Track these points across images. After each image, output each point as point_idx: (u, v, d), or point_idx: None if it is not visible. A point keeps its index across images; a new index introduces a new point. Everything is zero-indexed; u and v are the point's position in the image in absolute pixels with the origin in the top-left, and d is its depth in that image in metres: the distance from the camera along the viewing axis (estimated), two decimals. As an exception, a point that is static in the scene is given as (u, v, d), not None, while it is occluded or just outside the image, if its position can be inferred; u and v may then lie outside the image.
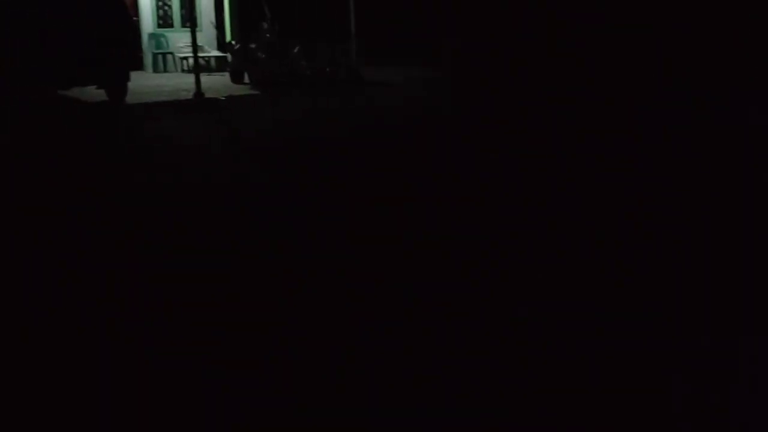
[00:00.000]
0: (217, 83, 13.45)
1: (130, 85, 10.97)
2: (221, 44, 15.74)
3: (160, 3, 16.08)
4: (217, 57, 15.98)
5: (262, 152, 7.04)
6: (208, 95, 11.19)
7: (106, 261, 3.71)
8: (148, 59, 15.58)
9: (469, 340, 2.65)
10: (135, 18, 15.02)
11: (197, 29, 13.97)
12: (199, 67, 11.57)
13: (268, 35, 13.38)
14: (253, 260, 3.67)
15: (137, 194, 5.25)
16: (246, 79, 13.40)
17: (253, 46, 13.35)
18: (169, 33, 16.02)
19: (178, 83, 13.28)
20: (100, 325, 2.88)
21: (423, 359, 2.49)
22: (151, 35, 15.80)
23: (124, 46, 10.55)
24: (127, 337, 2.75)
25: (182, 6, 16.09)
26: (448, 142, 7.20)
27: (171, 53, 15.86)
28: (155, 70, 15.73)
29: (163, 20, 16.15)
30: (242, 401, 2.26)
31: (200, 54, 14.16)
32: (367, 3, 14.43)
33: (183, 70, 15.71)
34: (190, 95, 11.14)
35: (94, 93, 11.11)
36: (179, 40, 15.87)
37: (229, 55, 14.46)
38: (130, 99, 10.92)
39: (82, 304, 3.11)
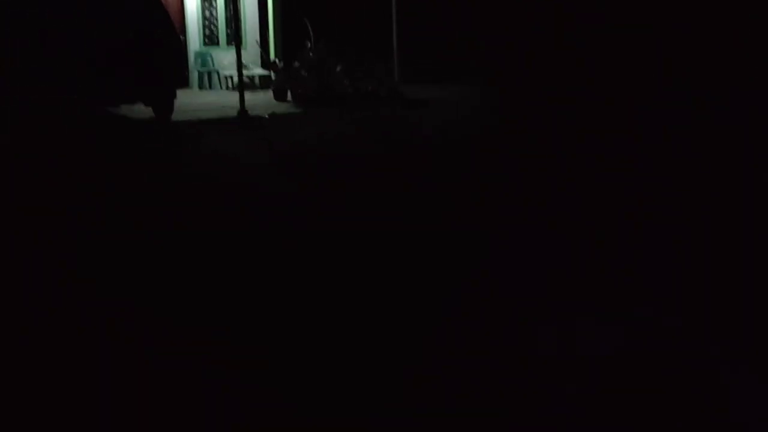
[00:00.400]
0: (261, 101, 13.61)
1: (177, 102, 11.21)
2: (265, 62, 15.86)
3: (207, 22, 16.30)
4: (261, 75, 16.18)
5: (302, 169, 7.17)
6: (252, 113, 11.38)
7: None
8: (193, 77, 15.81)
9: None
10: (182, 37, 15.24)
11: (242, 47, 14.20)
12: (243, 85, 11.78)
13: (311, 54, 13.53)
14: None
15: (188, 204, 5.47)
16: (289, 96, 13.52)
17: (296, 64, 13.49)
18: (214, 51, 16.22)
19: (222, 101, 13.45)
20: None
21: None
22: (197, 53, 16.02)
23: (172, 66, 10.80)
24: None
25: (228, 25, 16.31)
26: (490, 163, 7.19)
27: (216, 71, 16.06)
28: (201, 87, 15.93)
29: (209, 39, 16.35)
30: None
31: (245, 72, 14.37)
32: (410, 20, 14.46)
33: (228, 88, 15.94)
34: (234, 113, 11.34)
35: (141, 110, 11.38)
36: (224, 58, 16.08)
37: (272, 73, 14.65)
38: (176, 116, 11.15)
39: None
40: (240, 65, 11.74)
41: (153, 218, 5.18)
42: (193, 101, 13.35)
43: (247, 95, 13.16)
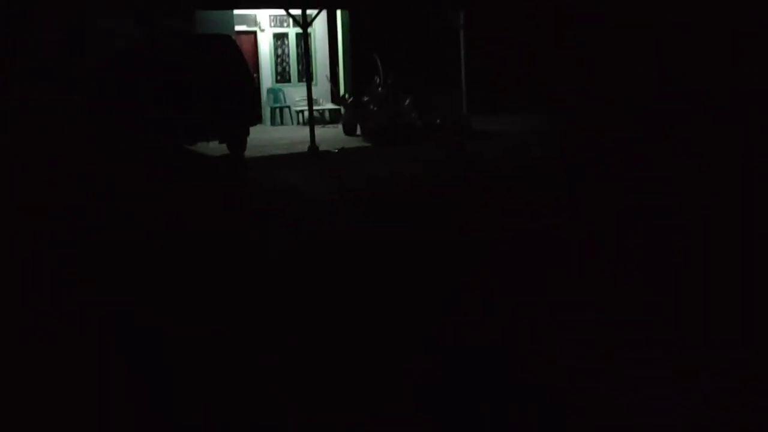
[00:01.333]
0: (331, 135, 13.87)
1: (249, 138, 11.55)
2: (335, 97, 16.17)
3: (279, 59, 16.71)
4: (331, 110, 16.46)
5: (370, 203, 7.37)
6: (321, 148, 11.61)
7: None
8: (266, 113, 16.19)
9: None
10: (255, 75, 15.74)
11: (313, 83, 14.40)
12: (313, 120, 12.08)
13: (380, 88, 13.75)
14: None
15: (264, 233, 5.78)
16: (358, 131, 13.73)
17: (365, 98, 13.72)
18: (286, 87, 16.59)
19: (293, 136, 13.74)
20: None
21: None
22: (270, 90, 16.41)
23: (245, 105, 11.10)
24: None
25: (299, 62, 16.65)
26: (557, 199, 7.12)
27: (288, 107, 16.40)
28: (273, 123, 16.30)
29: (281, 75, 16.75)
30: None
31: (315, 107, 14.67)
32: (477, 52, 14.48)
33: (299, 123, 16.23)
34: (305, 148, 11.60)
35: (216, 147, 11.80)
36: (296, 94, 16.42)
37: (342, 108, 14.87)
38: (249, 152, 11.48)
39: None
40: (310, 101, 12.05)
41: (230, 258, 5.41)
42: (265, 137, 13.70)
43: (318, 130, 13.40)
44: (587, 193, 7.27)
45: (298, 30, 13.37)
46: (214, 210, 7.37)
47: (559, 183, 8.01)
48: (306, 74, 12.53)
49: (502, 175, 8.94)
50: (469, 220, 6.35)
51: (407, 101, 13.41)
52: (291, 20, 12.07)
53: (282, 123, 16.43)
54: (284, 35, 16.58)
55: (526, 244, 5.45)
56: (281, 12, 14.53)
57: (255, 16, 16.08)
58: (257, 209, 7.43)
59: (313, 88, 12.74)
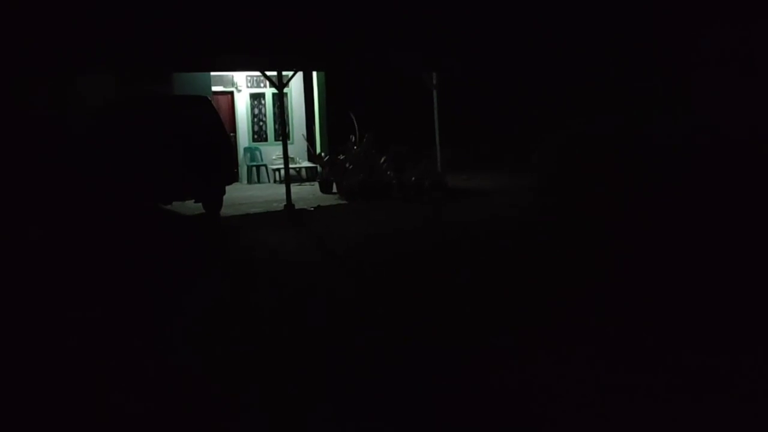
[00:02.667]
0: (307, 193, 13.95)
1: (226, 196, 11.62)
2: (312, 155, 16.36)
3: (256, 119, 16.91)
4: (307, 167, 16.62)
5: (350, 262, 7.41)
6: (298, 206, 11.71)
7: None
8: (243, 171, 16.27)
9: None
10: (232, 134, 15.89)
11: (289, 142, 14.69)
12: (290, 178, 12.19)
13: (355, 147, 14.00)
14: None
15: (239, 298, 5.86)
16: (335, 188, 13.87)
17: (341, 157, 13.93)
18: (263, 146, 16.74)
19: (270, 194, 13.77)
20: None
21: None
22: (247, 149, 16.56)
23: (222, 163, 11.20)
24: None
25: (275, 121, 16.74)
26: (541, 262, 7.07)
27: (264, 165, 16.52)
28: (250, 181, 16.41)
29: (258, 135, 16.92)
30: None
31: (291, 165, 14.59)
32: (451, 110, 14.76)
33: (275, 181, 16.30)
34: (281, 206, 11.68)
35: (191, 206, 11.83)
36: (272, 153, 16.54)
37: (318, 166, 14.96)
38: (225, 210, 11.55)
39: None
40: (287, 159, 12.21)
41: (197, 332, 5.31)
42: (241, 195, 13.71)
43: (294, 188, 13.37)
44: (564, 254, 7.22)
45: (275, 90, 13.34)
46: (187, 270, 7.37)
47: (528, 240, 8.17)
48: (282, 133, 12.68)
49: (475, 234, 9.00)
50: (447, 281, 6.33)
51: (382, 159, 13.63)
52: (267, 81, 12.35)
53: (259, 181, 16.53)
54: (261, 95, 16.78)
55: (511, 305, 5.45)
56: (258, 73, 14.69)
57: (232, 77, 16.31)
58: (232, 270, 7.42)
59: (289, 146, 12.92)
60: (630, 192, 10.18)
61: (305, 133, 16.90)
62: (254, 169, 16.66)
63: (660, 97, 11.83)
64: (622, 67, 13.31)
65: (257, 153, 16.75)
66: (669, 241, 7.42)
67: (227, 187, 11.62)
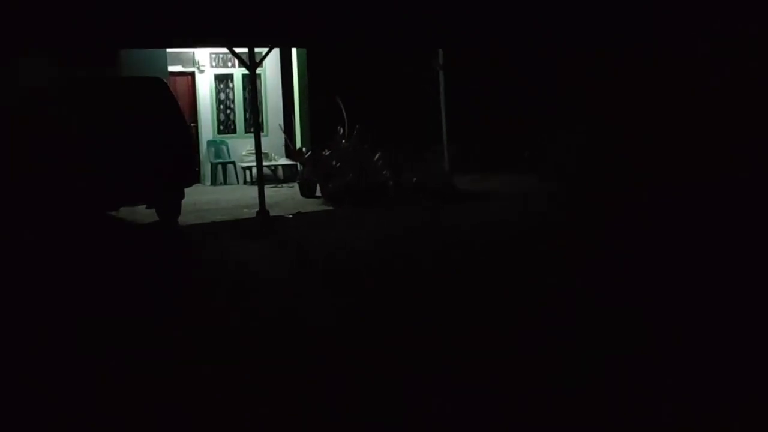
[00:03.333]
0: (285, 197, 13.78)
1: (185, 201, 11.32)
2: (290, 151, 16.07)
3: (222, 106, 16.63)
4: (285, 166, 16.38)
5: (336, 283, 7.07)
6: (273, 213, 11.35)
7: None
8: (206, 170, 16.07)
9: None
10: (192, 124, 15.52)
11: (263, 134, 14.40)
12: (264, 179, 11.77)
13: (344, 141, 13.61)
14: None
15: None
16: (318, 192, 13.61)
17: (327, 153, 13.59)
18: (230, 139, 16.50)
19: (239, 198, 13.63)
20: None
21: None
22: (211, 142, 16.31)
23: (179, 161, 10.87)
24: None
25: (246, 108, 16.61)
26: (564, 282, 6.80)
27: (232, 162, 16.33)
28: (214, 182, 16.12)
29: (225, 125, 16.66)
30: None
31: (266, 163, 14.48)
32: (460, 99, 14.54)
33: (246, 182, 16.10)
34: (252, 213, 11.34)
35: (143, 213, 11.47)
36: (242, 148, 16.34)
37: (299, 164, 14.78)
38: (184, 218, 11.28)
39: None
40: (260, 155, 11.72)
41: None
42: (204, 199, 13.56)
43: (269, 191, 13.23)
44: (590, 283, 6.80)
45: (245, 71, 13.25)
46: (137, 295, 6.97)
47: (553, 263, 7.63)
48: (254, 123, 12.30)
49: (486, 243, 8.82)
50: (449, 309, 6.07)
51: (377, 156, 13.29)
52: (236, 59, 11.78)
53: (225, 182, 16.31)
54: (228, 77, 16.72)
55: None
56: (224, 50, 14.59)
57: (193, 54, 16.21)
58: (194, 294, 7.05)
59: (263, 139, 12.54)
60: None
61: (282, 124, 16.65)
62: (220, 167, 16.38)
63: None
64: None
65: (223, 148, 16.51)
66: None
67: (187, 190, 11.36)
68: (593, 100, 14.26)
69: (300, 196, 13.72)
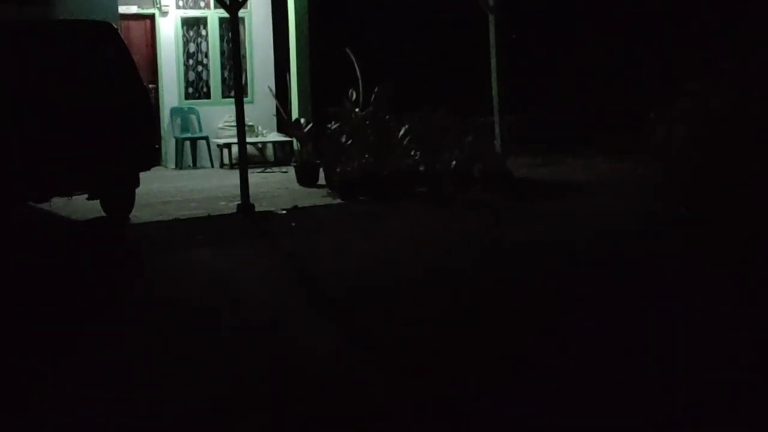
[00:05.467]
0: (276, 186, 13.82)
1: (140, 190, 11.42)
2: (284, 123, 15.97)
3: (192, 62, 16.72)
4: (277, 143, 16.45)
5: (343, 314, 7.10)
6: (261, 207, 11.43)
7: None
8: (169, 148, 16.14)
9: None
10: (151, 86, 15.54)
11: (247, 100, 14.45)
12: (247, 161, 11.88)
13: (357, 109, 13.57)
14: None
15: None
16: (322, 179, 13.61)
17: (333, 126, 13.58)
18: (203, 107, 16.53)
19: (214, 187, 13.71)
20: None
21: None
22: (176, 111, 16.34)
23: (133, 136, 10.92)
24: None
25: (225, 65, 16.68)
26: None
27: (205, 138, 16.34)
28: (180, 164, 16.20)
29: (195, 88, 16.72)
30: None
31: (251, 139, 14.51)
32: (519, 57, 14.56)
33: (223, 165, 16.21)
34: (232, 207, 11.45)
35: (84, 206, 11.57)
36: (219, 118, 16.40)
37: (295, 141, 14.72)
38: (139, 213, 11.39)
39: None
40: (242, 129, 11.83)
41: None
42: (167, 187, 13.67)
43: (255, 177, 13.25)
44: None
45: (224, 13, 13.21)
46: (76, 326, 7.04)
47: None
48: (235, 86, 12.41)
49: (566, 264, 8.52)
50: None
51: (403, 131, 13.24)
52: None
53: (195, 165, 16.49)
54: (200, 22, 16.86)
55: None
56: None
57: None
58: (153, 323, 7.04)
59: (247, 107, 12.58)
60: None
61: (273, 87, 16.65)
62: (188, 144, 16.55)
63: None
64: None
65: (193, 118, 16.63)
66: None
67: (143, 175, 11.46)
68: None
69: (296, 185, 13.78)
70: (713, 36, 15.39)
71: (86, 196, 11.36)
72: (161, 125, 15.96)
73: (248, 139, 13.04)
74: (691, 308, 6.73)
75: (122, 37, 11.77)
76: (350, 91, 13.86)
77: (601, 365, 5.63)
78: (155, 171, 12.15)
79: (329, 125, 13.66)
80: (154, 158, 11.59)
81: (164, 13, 16.32)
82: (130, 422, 4.92)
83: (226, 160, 16.15)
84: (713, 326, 6.34)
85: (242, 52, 15.78)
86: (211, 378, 5.68)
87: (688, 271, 8.02)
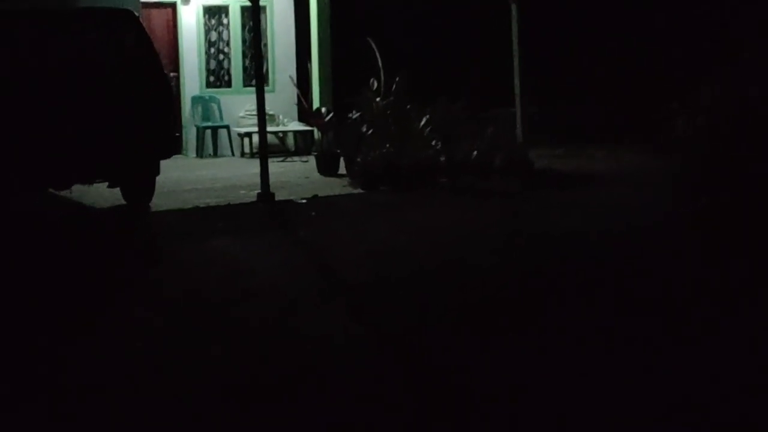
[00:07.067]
0: (297, 175, 13.83)
1: (162, 177, 11.47)
2: (305, 113, 16.09)
3: (213, 51, 16.76)
4: (297, 132, 16.47)
5: (366, 306, 7.05)
6: (280, 196, 11.44)
7: None
8: (189, 136, 16.19)
9: None
10: (173, 74, 15.57)
11: (268, 89, 14.39)
12: (267, 150, 11.91)
13: (378, 98, 13.52)
14: None
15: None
16: (342, 168, 13.62)
17: (354, 115, 13.58)
18: (224, 96, 16.58)
19: (233, 176, 13.74)
20: None
21: None
22: (197, 99, 16.38)
23: (154, 124, 10.93)
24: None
25: (246, 54, 16.67)
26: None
27: (226, 127, 16.39)
28: (200, 153, 16.25)
29: (217, 77, 16.78)
30: None
31: (271, 128, 14.53)
32: (539, 46, 14.55)
33: (243, 154, 16.23)
34: (252, 196, 11.47)
35: (104, 194, 11.62)
36: (239, 107, 16.43)
37: (315, 131, 14.80)
38: (159, 201, 11.41)
39: None
40: (263, 118, 11.83)
41: None
42: (187, 175, 13.69)
43: (275, 166, 13.27)
44: None
45: (245, 2, 13.19)
46: (97, 315, 7.01)
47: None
48: (257, 75, 12.38)
49: (588, 260, 8.33)
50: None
51: (424, 120, 13.19)
52: None
53: (216, 154, 16.55)
54: (222, 11, 16.94)
55: None
56: None
57: None
58: (169, 310, 7.03)
59: (268, 96, 12.59)
60: None
61: (294, 76, 16.68)
62: (209, 133, 16.59)
63: None
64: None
65: (214, 107, 16.65)
66: None
67: (164, 163, 11.49)
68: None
69: (317, 174, 13.78)
70: (735, 25, 15.29)
71: (107, 184, 11.37)
72: (182, 114, 16.02)
73: (269, 129, 13.08)
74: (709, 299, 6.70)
75: (144, 25, 11.78)
76: (371, 80, 13.83)
77: (628, 363, 5.53)
78: (176, 159, 12.24)
79: (350, 115, 13.67)
80: (174, 146, 11.63)
81: (186, 2, 16.35)
82: (140, 408, 4.91)
83: (246, 149, 16.16)
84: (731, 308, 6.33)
85: (263, 41, 15.84)
86: (224, 367, 5.65)
87: (705, 261, 8.04)
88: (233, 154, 16.40)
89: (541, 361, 5.63)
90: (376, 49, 13.99)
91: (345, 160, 13.56)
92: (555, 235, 9.43)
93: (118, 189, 11.43)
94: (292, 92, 16.32)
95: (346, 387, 5.30)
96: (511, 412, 4.91)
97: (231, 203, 11.48)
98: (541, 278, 7.89)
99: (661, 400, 4.89)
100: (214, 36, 16.71)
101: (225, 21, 16.70)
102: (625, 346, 5.78)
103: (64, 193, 11.67)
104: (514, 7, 13.65)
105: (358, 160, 12.93)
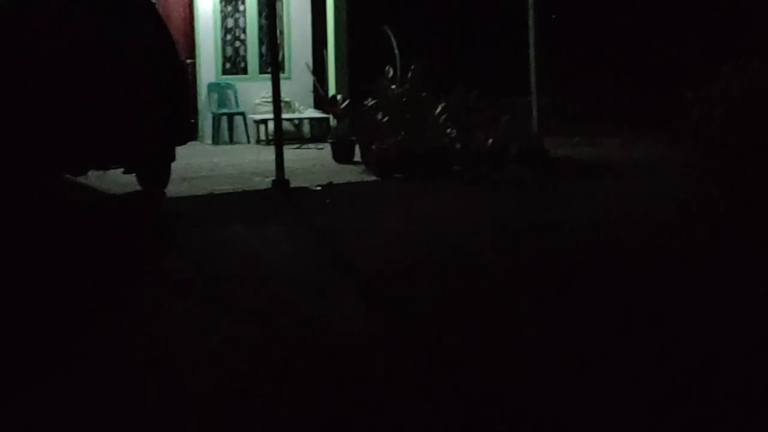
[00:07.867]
0: (312, 162, 13.91)
1: (177, 164, 11.47)
2: (321, 100, 16.05)
3: (230, 37, 16.77)
4: (312, 120, 16.55)
5: (383, 296, 7.03)
6: (295, 183, 11.48)
7: None
8: (205, 123, 16.24)
9: None
10: (189, 60, 15.65)
11: (284, 76, 14.62)
12: (283, 137, 11.92)
13: (394, 86, 13.53)
14: None
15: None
16: (358, 156, 13.66)
17: (370, 103, 13.59)
18: (240, 82, 16.63)
19: (249, 162, 13.79)
20: None
21: None
22: (213, 86, 16.42)
23: (170, 110, 10.95)
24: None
25: (262, 41, 16.70)
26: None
27: (242, 114, 16.44)
28: (216, 140, 16.27)
29: (233, 64, 16.79)
30: None
31: (287, 115, 14.59)
32: (555, 34, 14.57)
33: (259, 141, 16.24)
34: (267, 183, 11.50)
35: (119, 180, 11.65)
36: (255, 94, 16.47)
37: (331, 118, 14.77)
38: (174, 188, 11.43)
39: None
40: (278, 105, 11.82)
41: None
42: (203, 162, 13.76)
43: (290, 153, 13.32)
44: None
45: None
46: (111, 303, 6.97)
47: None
48: (272, 62, 12.42)
49: (608, 251, 8.32)
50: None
51: (440, 108, 13.20)
52: None
53: (232, 141, 16.56)
54: None
55: None
56: None
57: None
58: (184, 296, 7.03)
59: (284, 83, 12.80)
60: None
61: (310, 63, 16.68)
62: (225, 120, 16.61)
63: None
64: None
65: (230, 94, 16.71)
66: None
67: (180, 149, 11.46)
68: None
69: (332, 161, 13.85)
70: (753, 16, 15.25)
71: (122, 170, 11.38)
72: (198, 101, 16.07)
73: (284, 116, 13.16)
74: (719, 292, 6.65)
75: (159, 10, 11.82)
76: (387, 68, 13.88)
77: (641, 354, 5.48)
78: (192, 146, 12.26)
79: (366, 102, 13.69)
80: (190, 133, 11.59)
81: (203, -12, 16.45)
82: (151, 393, 4.90)
83: (262, 136, 16.19)
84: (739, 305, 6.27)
85: (280, 28, 16.03)
86: (236, 353, 5.63)
87: (716, 254, 7.98)
88: (249, 141, 16.42)
89: (551, 344, 5.62)
90: (392, 37, 14.02)
91: (360, 147, 13.62)
92: (571, 226, 9.40)
93: (133, 175, 11.44)
94: (308, 79, 16.38)
95: (366, 371, 5.28)
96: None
97: (246, 190, 11.49)
98: (555, 268, 7.83)
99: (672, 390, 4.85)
100: (230, 23, 16.71)
101: (241, 8, 16.71)
102: (644, 328, 5.78)
103: (80, 178, 11.68)
104: (530, -2, 13.77)
105: (373, 147, 12.96)
